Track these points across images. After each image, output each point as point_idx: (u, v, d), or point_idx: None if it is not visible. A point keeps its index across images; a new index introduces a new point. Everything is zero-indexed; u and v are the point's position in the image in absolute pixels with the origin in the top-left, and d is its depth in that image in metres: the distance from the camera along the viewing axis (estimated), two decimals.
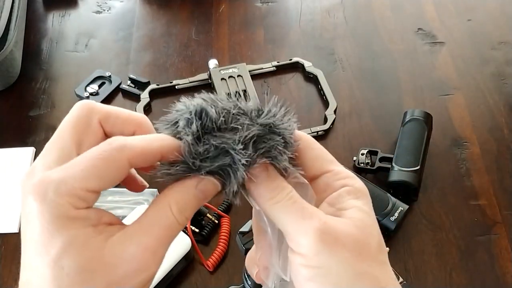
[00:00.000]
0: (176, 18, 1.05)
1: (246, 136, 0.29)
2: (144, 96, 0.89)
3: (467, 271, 0.70)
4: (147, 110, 0.89)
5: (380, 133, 0.85)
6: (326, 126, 0.84)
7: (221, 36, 1.01)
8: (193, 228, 0.72)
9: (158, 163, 0.29)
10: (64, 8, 1.07)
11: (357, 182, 0.31)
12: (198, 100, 0.30)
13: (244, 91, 0.88)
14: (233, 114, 0.30)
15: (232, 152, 0.29)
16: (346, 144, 0.84)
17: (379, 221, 0.69)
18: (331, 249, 0.27)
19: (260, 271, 0.33)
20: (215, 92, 0.88)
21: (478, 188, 0.78)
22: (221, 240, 0.72)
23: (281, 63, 0.94)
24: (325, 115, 0.86)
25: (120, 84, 0.92)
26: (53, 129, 0.86)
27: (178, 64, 0.96)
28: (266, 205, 0.30)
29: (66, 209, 0.26)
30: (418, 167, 0.75)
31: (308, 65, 0.93)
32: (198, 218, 0.73)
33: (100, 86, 0.91)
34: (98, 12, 1.06)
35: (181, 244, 0.68)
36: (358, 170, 0.79)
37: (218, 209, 0.74)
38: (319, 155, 0.32)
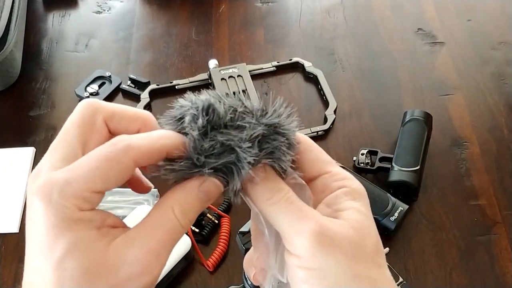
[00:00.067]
0: (176, 18, 1.05)
1: (251, 135, 0.29)
2: (144, 96, 0.89)
3: (467, 271, 0.70)
4: (147, 110, 0.88)
5: (380, 133, 0.85)
6: (326, 126, 0.85)
7: (221, 36, 1.01)
8: (193, 228, 0.72)
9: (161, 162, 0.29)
10: (64, 8, 1.07)
11: (355, 183, 0.31)
12: (205, 96, 0.30)
13: (244, 91, 0.88)
14: (239, 112, 0.30)
15: (238, 150, 0.29)
16: (346, 144, 0.84)
17: (379, 221, 0.70)
18: (327, 251, 0.27)
19: (257, 272, 0.33)
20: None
21: (478, 188, 0.78)
22: (221, 240, 0.72)
23: (281, 63, 0.94)
24: (325, 115, 0.86)
25: (120, 84, 0.92)
26: (53, 129, 0.87)
27: (178, 64, 0.96)
28: (263, 206, 0.30)
29: (71, 211, 0.26)
30: (418, 167, 0.75)
31: (308, 65, 0.93)
32: (198, 218, 0.73)
33: (100, 86, 0.91)
34: (98, 12, 1.06)
35: (181, 244, 0.68)
36: (358, 170, 0.79)
37: (218, 209, 0.74)
38: (317, 157, 0.32)
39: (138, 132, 0.30)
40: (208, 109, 0.29)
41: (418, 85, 0.92)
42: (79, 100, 0.82)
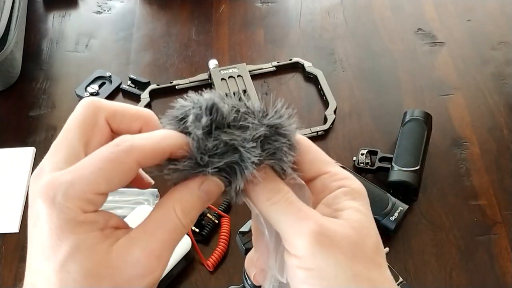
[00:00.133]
0: (176, 18, 1.05)
1: (254, 135, 0.29)
2: (145, 96, 0.89)
3: (467, 271, 0.70)
4: None
5: (380, 133, 0.85)
6: (326, 126, 0.85)
7: (221, 36, 1.01)
8: (193, 228, 0.72)
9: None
10: (64, 9, 1.07)
11: (354, 183, 0.31)
12: (208, 95, 0.30)
13: (244, 91, 0.88)
14: (242, 112, 0.30)
15: (242, 149, 0.29)
16: (346, 144, 0.84)
17: (379, 221, 0.70)
18: (326, 251, 0.27)
19: (257, 273, 0.33)
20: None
21: (478, 188, 0.78)
22: (221, 240, 0.72)
23: (281, 63, 0.95)
24: (325, 115, 0.86)
25: (120, 84, 0.92)
26: (53, 129, 0.87)
27: (178, 64, 0.97)
28: (263, 206, 0.30)
29: (75, 213, 0.26)
30: (418, 167, 0.75)
31: (308, 65, 0.93)
32: (198, 218, 0.73)
33: (100, 86, 0.91)
34: (98, 12, 1.06)
35: (181, 244, 0.68)
36: (358, 170, 0.79)
37: (218, 209, 0.75)
38: (316, 157, 0.32)
39: (140, 130, 0.30)
40: (212, 108, 0.29)
41: (418, 85, 0.92)
42: (79, 100, 0.82)
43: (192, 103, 0.30)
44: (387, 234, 0.71)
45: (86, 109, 0.29)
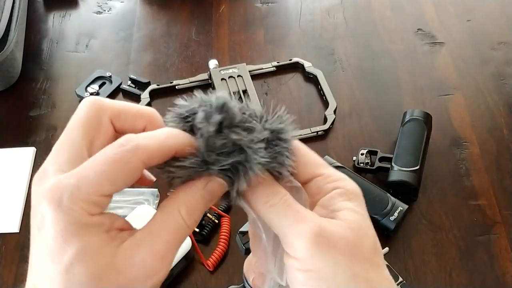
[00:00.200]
0: (176, 19, 1.05)
1: (259, 137, 0.29)
2: (145, 96, 0.89)
3: (467, 271, 0.70)
4: None
5: (380, 133, 0.85)
6: (326, 126, 0.85)
7: (221, 36, 1.01)
8: None
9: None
10: (64, 9, 1.07)
11: (349, 184, 0.31)
12: (218, 94, 0.30)
13: (244, 91, 0.88)
14: (248, 114, 0.30)
15: (249, 150, 0.29)
16: (346, 144, 0.84)
17: (378, 221, 0.70)
18: (325, 252, 0.27)
19: (256, 277, 0.33)
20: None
21: (478, 188, 0.78)
22: (221, 240, 0.72)
23: (281, 63, 0.95)
24: (325, 115, 0.86)
25: (120, 84, 0.92)
26: (53, 129, 0.87)
27: (179, 64, 0.97)
28: (262, 208, 0.30)
29: (81, 215, 0.26)
30: (417, 167, 0.75)
31: (308, 65, 0.93)
32: None
33: (100, 86, 0.92)
34: (98, 12, 1.06)
35: (181, 244, 0.68)
36: (358, 170, 0.79)
37: (218, 208, 0.75)
38: (309, 160, 0.32)
39: (144, 129, 0.30)
40: (223, 107, 0.29)
41: (418, 85, 0.92)
42: (80, 100, 0.82)
43: (200, 101, 0.30)
44: (387, 234, 0.71)
45: (90, 108, 0.29)
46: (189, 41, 1.00)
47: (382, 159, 0.79)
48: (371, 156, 0.80)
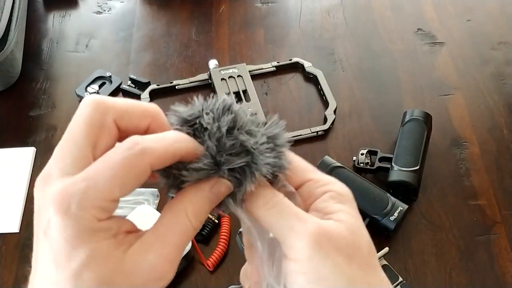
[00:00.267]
0: (176, 19, 1.05)
1: (261, 141, 0.30)
2: (145, 96, 0.89)
3: (467, 271, 0.70)
4: None
5: (380, 133, 0.85)
6: (326, 126, 0.85)
7: (221, 36, 1.01)
8: None
9: None
10: (64, 9, 1.07)
11: (339, 187, 0.31)
12: (226, 97, 0.31)
13: (244, 91, 0.88)
14: (249, 119, 0.31)
15: (256, 152, 0.29)
16: (346, 144, 0.84)
17: (378, 221, 0.70)
18: (324, 252, 0.28)
19: (252, 286, 0.33)
20: (215, 93, 0.88)
21: (478, 188, 0.78)
22: (221, 240, 0.72)
23: (281, 63, 0.95)
24: (325, 115, 0.86)
25: (120, 84, 0.92)
26: (53, 129, 0.87)
27: (178, 64, 0.97)
28: (260, 211, 0.30)
29: (89, 222, 0.25)
30: (417, 167, 0.75)
31: (308, 65, 0.93)
32: None
33: (100, 86, 0.92)
34: (98, 12, 1.06)
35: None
36: (358, 170, 0.79)
37: None
38: (298, 166, 0.32)
39: (148, 127, 0.30)
40: (230, 108, 0.30)
41: (418, 85, 0.92)
42: (80, 100, 0.82)
43: (201, 106, 0.30)
44: (386, 234, 0.71)
45: (93, 108, 0.28)
46: (189, 41, 1.00)
47: (382, 159, 0.79)
48: (371, 156, 0.80)
